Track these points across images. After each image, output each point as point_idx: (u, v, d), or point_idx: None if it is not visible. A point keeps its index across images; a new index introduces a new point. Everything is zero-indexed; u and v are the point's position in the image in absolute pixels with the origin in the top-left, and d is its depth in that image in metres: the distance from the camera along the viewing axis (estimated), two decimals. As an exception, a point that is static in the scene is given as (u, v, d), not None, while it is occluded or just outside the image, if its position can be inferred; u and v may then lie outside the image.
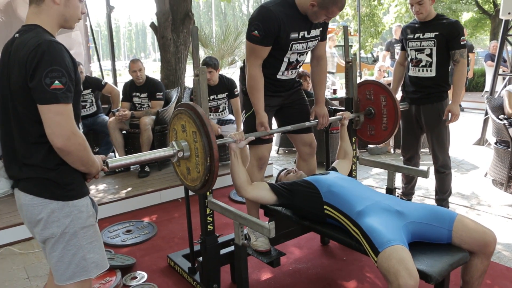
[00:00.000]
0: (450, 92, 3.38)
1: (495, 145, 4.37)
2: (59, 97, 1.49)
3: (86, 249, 1.67)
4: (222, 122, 4.82)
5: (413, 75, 3.43)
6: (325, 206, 2.27)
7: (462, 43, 3.23)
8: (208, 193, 2.38)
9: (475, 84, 12.49)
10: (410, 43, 3.40)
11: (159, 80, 5.41)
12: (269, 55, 2.49)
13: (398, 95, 3.54)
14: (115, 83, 6.46)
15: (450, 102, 3.33)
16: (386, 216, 2.04)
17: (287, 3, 2.43)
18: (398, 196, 3.55)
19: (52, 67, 1.49)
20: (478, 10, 16.79)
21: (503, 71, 6.52)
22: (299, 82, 2.87)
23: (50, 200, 1.60)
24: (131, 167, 5.04)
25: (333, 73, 8.40)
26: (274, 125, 2.84)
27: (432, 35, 3.26)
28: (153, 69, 22.93)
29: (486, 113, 5.87)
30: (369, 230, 1.96)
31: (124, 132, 4.97)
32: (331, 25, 17.42)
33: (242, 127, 2.74)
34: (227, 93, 4.71)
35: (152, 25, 5.62)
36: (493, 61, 8.04)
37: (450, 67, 3.38)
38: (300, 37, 2.49)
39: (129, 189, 4.30)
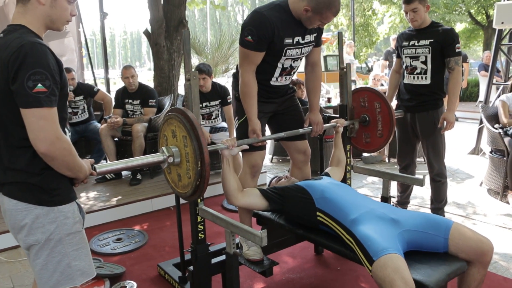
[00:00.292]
0: (446, 100, 3.36)
1: (490, 154, 4.35)
2: (42, 100, 1.44)
3: (71, 256, 1.61)
4: (214, 130, 4.77)
5: (408, 83, 3.41)
6: (318, 213, 2.22)
7: (457, 50, 3.21)
8: (199, 200, 2.33)
9: (469, 94, 12.55)
10: (405, 51, 3.39)
11: (152, 87, 5.36)
12: (263, 60, 2.45)
13: (393, 103, 3.52)
14: (108, 91, 6.41)
15: (445, 110, 3.31)
16: (381, 224, 1.99)
17: (281, 8, 2.40)
18: (393, 205, 3.51)
19: (34, 69, 1.43)
20: (471, 21, 16.95)
21: (497, 81, 6.53)
22: (293, 88, 2.83)
23: (34, 205, 1.54)
24: (123, 174, 4.97)
25: (354, 81, 8.38)
26: (268, 132, 2.79)
27: (427, 42, 3.25)
28: (147, 78, 22.86)
29: (481, 122, 5.87)
30: (363, 238, 1.91)
31: (116, 139, 4.91)
32: (325, 35, 17.50)
33: (234, 135, 2.69)
34: (220, 101, 4.67)
35: (146, 32, 5.59)
36: (486, 71, 8.08)
37: (446, 76, 3.36)
38: (294, 42, 2.45)
39: (120, 196, 4.23)
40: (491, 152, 4.36)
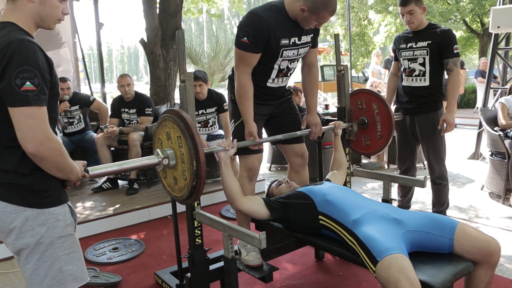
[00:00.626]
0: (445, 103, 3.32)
1: (491, 157, 4.30)
2: (30, 99, 1.39)
3: (63, 261, 1.55)
4: (211, 137, 4.72)
5: (407, 85, 3.37)
6: (320, 216, 2.16)
7: (455, 51, 3.18)
8: (196, 204, 2.27)
9: (467, 101, 12.56)
10: (402, 53, 3.36)
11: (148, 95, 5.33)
12: (259, 62, 2.41)
13: (392, 108, 3.48)
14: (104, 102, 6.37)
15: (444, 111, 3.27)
16: (384, 224, 1.93)
17: (277, 9, 2.36)
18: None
19: (23, 67, 1.39)
20: (466, 29, 17.04)
21: (494, 86, 6.55)
22: (290, 90, 2.79)
23: (24, 207, 1.48)
24: (120, 184, 4.90)
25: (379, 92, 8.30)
26: (265, 135, 2.74)
27: (424, 44, 3.22)
28: (145, 91, 22.89)
29: (480, 127, 5.84)
30: (366, 239, 1.85)
31: (112, 148, 4.84)
32: (322, 45, 17.61)
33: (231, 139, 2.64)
34: (216, 108, 4.63)
35: (142, 41, 5.57)
36: (483, 77, 8.08)
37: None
38: (291, 43, 2.41)
39: (117, 206, 4.15)
40: (491, 155, 4.32)
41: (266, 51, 2.37)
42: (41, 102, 1.42)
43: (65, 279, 1.55)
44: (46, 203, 1.51)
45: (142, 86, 36.71)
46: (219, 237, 2.63)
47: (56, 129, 1.60)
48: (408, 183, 2.85)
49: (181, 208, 2.49)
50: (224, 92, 4.64)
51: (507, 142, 4.03)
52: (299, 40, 2.44)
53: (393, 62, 3.61)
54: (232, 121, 2.60)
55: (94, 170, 1.83)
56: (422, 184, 2.61)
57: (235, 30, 2.82)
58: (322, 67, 15.80)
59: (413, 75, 3.31)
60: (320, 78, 13.09)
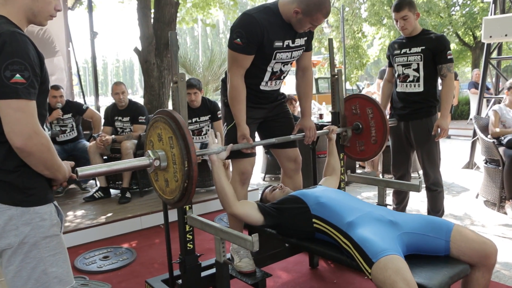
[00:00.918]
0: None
1: (485, 165, 4.29)
2: (19, 92, 1.35)
3: (48, 262, 1.48)
4: (205, 146, 4.67)
5: (401, 91, 3.36)
6: (313, 220, 2.12)
7: (449, 57, 3.18)
8: (187, 208, 2.22)
9: (460, 113, 12.62)
10: (397, 59, 3.35)
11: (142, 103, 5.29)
12: (252, 64, 2.38)
13: (387, 113, 3.46)
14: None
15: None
16: (379, 226, 1.89)
17: (270, 11, 2.35)
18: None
19: (13, 59, 1.35)
20: (459, 42, 17.21)
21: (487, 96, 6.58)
22: (283, 94, 2.77)
23: (8, 205, 1.43)
24: (112, 193, 4.83)
25: None
26: (258, 139, 2.71)
27: (418, 49, 3.21)
28: (139, 103, 22.86)
29: (474, 135, 5.84)
30: (361, 241, 1.80)
31: (105, 157, 4.79)
32: (316, 57, 17.69)
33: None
34: (209, 116, 4.60)
35: (136, 50, 5.55)
36: (476, 88, 8.11)
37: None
38: (284, 45, 2.39)
39: (109, 214, 4.08)
40: (486, 163, 4.30)
41: (259, 53, 2.35)
42: (31, 95, 1.38)
43: (49, 282, 1.49)
44: (32, 201, 1.46)
45: (137, 99, 36.64)
46: (212, 246, 2.56)
47: (45, 126, 1.56)
48: (403, 188, 2.82)
49: (173, 217, 2.43)
50: (218, 100, 4.62)
51: (501, 149, 4.02)
52: (293, 42, 2.43)
53: (387, 68, 3.61)
54: (225, 124, 2.57)
55: (83, 170, 1.79)
56: (417, 189, 2.57)
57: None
58: (316, 79, 15.84)
59: (407, 81, 3.30)
60: (314, 91, 13.11)
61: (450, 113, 7.34)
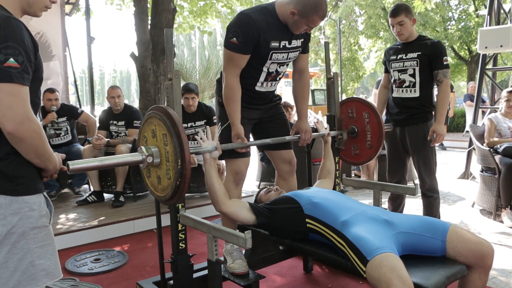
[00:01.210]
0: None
1: (481, 173, 4.28)
2: (13, 76, 1.32)
3: (35, 254, 1.44)
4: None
5: (397, 96, 3.36)
6: (307, 220, 2.09)
7: (444, 63, 3.18)
8: (180, 206, 2.19)
9: (456, 125, 12.65)
10: (393, 64, 3.35)
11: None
12: (248, 64, 2.37)
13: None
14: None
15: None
16: (374, 225, 1.86)
17: (267, 11, 2.35)
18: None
19: (7, 43, 1.33)
20: (454, 56, 17.34)
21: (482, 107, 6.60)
22: (279, 96, 2.76)
23: None
24: (106, 197, 4.78)
25: None
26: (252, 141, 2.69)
27: (414, 55, 3.22)
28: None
29: (470, 145, 5.84)
30: (355, 239, 1.78)
31: (99, 161, 4.74)
32: (313, 69, 17.76)
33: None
34: (205, 121, 4.58)
35: (132, 55, 5.53)
36: (472, 101, 8.14)
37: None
38: (281, 46, 2.39)
39: (102, 218, 4.03)
40: (482, 171, 4.29)
41: (255, 53, 2.34)
42: (24, 80, 1.35)
43: (36, 274, 1.45)
44: (21, 190, 1.42)
45: (134, 108, 36.63)
46: (205, 250, 2.51)
47: (37, 116, 1.53)
48: (398, 191, 2.80)
49: (166, 221, 2.38)
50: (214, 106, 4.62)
51: (497, 157, 4.01)
52: (290, 43, 2.42)
53: (383, 74, 3.61)
54: (219, 124, 2.55)
55: (74, 164, 1.76)
56: (413, 192, 2.55)
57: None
58: (313, 91, 15.89)
59: (403, 86, 3.30)
60: (310, 102, 13.16)
61: (445, 124, 7.36)
